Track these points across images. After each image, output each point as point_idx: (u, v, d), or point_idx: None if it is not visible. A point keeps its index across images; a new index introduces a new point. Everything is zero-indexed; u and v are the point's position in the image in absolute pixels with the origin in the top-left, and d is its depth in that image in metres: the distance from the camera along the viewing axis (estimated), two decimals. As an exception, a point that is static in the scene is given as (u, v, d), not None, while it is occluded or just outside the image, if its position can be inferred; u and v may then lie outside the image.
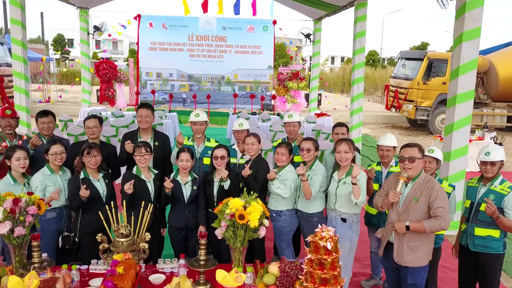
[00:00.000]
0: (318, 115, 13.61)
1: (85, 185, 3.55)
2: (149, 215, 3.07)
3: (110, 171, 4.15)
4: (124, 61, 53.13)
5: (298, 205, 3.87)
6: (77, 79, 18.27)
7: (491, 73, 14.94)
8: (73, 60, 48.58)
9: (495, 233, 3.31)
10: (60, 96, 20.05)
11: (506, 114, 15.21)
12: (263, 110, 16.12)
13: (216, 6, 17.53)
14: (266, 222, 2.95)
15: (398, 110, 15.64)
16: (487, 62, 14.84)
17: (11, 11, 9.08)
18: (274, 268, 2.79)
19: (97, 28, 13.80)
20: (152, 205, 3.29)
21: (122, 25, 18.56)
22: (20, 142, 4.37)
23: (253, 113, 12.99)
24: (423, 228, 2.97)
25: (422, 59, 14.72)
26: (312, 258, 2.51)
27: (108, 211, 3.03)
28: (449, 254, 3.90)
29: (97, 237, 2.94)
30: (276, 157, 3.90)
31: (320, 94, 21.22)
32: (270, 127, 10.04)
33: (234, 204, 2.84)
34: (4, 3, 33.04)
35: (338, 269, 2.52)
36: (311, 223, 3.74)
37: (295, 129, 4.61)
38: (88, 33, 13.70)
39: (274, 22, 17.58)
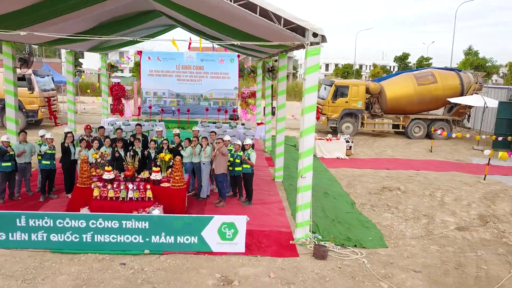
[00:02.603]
0: (258, 123, 20.35)
1: (116, 152, 10.35)
2: (138, 158, 9.81)
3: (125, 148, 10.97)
4: (130, 72, 59.90)
5: (193, 160, 10.53)
6: (97, 98, 25.27)
7: (382, 94, 21.66)
8: (83, 71, 55.37)
9: (248, 166, 9.99)
10: (84, 108, 27.07)
11: (391, 123, 21.91)
12: (229, 119, 22.82)
13: (197, 45, 24.37)
14: (171, 160, 9.67)
15: (317, 120, 22.43)
16: (379, 87, 21.58)
17: (66, 65, 15.98)
18: (170, 169, 9.55)
19: (112, 66, 20.64)
20: (140, 157, 10.09)
21: (128, 57, 25.60)
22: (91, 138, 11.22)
23: (214, 122, 19.67)
24: (222, 152, 9.67)
25: (331, 85, 21.52)
26: (171, 162, 9.22)
27: (126, 160, 9.79)
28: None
29: (125, 163, 9.66)
30: (184, 143, 10.60)
31: (274, 107, 27.99)
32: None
33: (161, 155, 9.58)
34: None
35: (181, 173, 9.16)
36: (197, 167, 10.41)
37: (196, 132, 11.31)
38: (106, 69, 20.48)
39: (238, 56, 24.48)
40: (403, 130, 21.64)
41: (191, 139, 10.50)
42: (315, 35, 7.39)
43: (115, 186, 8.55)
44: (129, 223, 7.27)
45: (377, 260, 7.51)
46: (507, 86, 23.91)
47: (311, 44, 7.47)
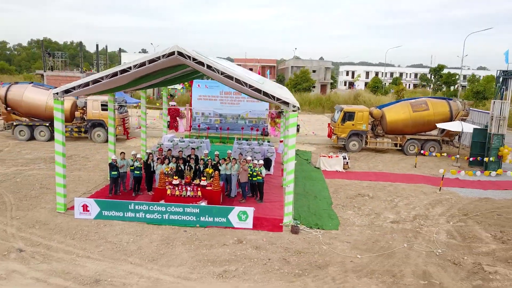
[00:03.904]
0: (281, 141, 25.95)
1: (179, 166, 16.39)
2: (192, 171, 15.76)
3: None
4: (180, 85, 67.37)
5: (226, 172, 16.30)
6: (157, 116, 32.01)
7: (384, 118, 26.67)
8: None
9: (260, 177, 15.61)
10: (147, 124, 33.84)
11: (390, 142, 26.83)
12: (260, 135, 28.62)
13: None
14: (213, 172, 15.50)
15: (330, 138, 27.77)
16: (381, 112, 26.63)
17: (142, 100, 22.32)
18: (212, 178, 15.39)
19: (171, 95, 27.02)
20: (193, 170, 16.07)
21: (182, 85, 32.00)
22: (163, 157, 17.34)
23: (247, 139, 25.46)
24: (244, 168, 15.42)
25: (341, 111, 26.81)
26: (212, 174, 15.09)
27: (185, 172, 15.79)
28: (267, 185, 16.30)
29: (184, 174, 15.63)
30: (221, 161, 16.43)
31: (298, 125, 33.51)
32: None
33: (207, 169, 15.45)
34: (97, 46, 47.97)
35: (218, 181, 15.00)
36: (229, 177, 16.18)
37: (229, 154, 17.07)
38: (167, 97, 26.82)
39: (269, 84, 30.16)
40: (401, 148, 26.54)
41: (226, 158, 16.39)
42: (294, 106, 13.02)
43: (179, 188, 14.58)
44: (188, 209, 13.22)
45: (327, 236, 13.01)
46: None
47: (292, 111, 13.10)
